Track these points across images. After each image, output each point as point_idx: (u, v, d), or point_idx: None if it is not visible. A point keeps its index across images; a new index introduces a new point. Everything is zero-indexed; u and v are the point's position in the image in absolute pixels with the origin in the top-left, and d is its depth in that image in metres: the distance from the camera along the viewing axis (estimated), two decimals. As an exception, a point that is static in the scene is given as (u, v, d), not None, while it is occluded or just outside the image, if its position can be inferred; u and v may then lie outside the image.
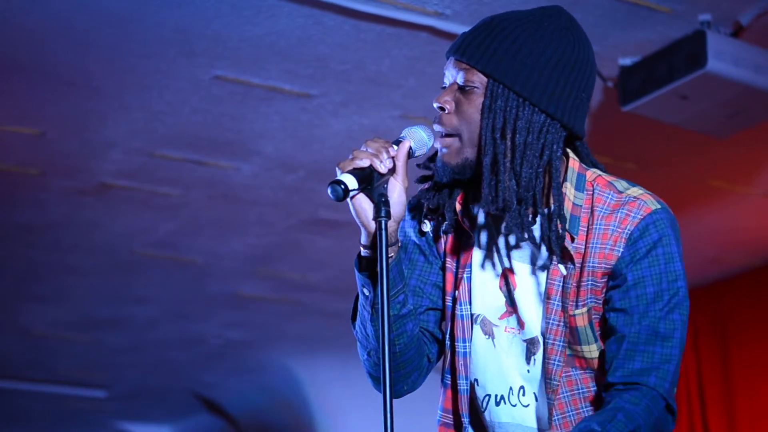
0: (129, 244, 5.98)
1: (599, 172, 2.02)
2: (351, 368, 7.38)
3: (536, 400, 1.97)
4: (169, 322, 7.09)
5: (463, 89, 1.96)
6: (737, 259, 6.16)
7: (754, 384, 6.13)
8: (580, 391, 1.95)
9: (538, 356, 1.96)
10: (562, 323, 1.93)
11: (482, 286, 2.00)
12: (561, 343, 1.93)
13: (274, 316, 7.02)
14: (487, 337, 2.00)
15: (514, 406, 1.99)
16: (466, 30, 2.02)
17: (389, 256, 1.92)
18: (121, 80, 4.45)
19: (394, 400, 1.87)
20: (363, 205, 1.91)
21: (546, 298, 1.95)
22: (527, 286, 1.98)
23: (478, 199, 2.01)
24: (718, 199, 5.50)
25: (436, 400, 2.10)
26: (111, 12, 4.00)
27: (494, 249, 2.00)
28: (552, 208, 1.92)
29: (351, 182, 1.87)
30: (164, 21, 4.05)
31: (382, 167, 1.89)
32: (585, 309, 1.93)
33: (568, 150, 2.02)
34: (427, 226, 2.06)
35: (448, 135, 1.96)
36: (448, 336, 2.05)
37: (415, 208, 2.08)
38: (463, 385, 2.02)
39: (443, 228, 2.02)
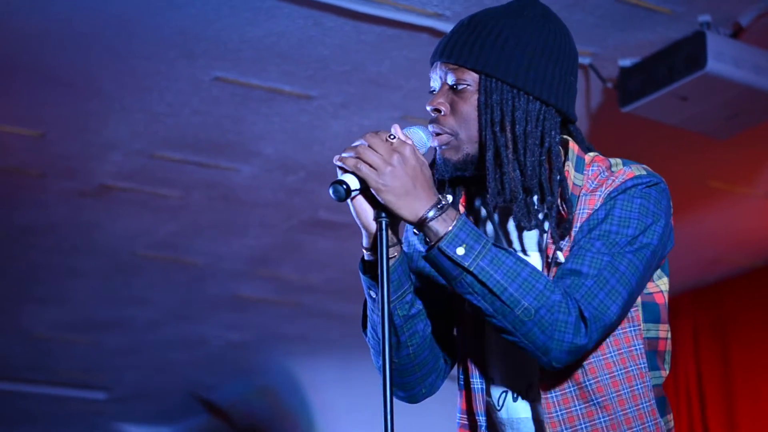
0: (129, 246, 5.99)
1: (597, 153, 2.03)
2: (351, 370, 7.39)
3: (549, 394, 1.95)
4: (169, 324, 7.09)
5: (455, 89, 1.97)
6: (737, 260, 6.16)
7: (754, 385, 6.13)
8: (588, 383, 1.94)
9: None
10: None
11: None
12: None
13: (274, 317, 7.02)
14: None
15: (533, 401, 1.97)
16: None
17: (392, 256, 1.92)
18: (121, 82, 4.45)
19: (394, 402, 1.88)
20: (363, 206, 1.91)
21: None
22: None
23: (481, 195, 2.03)
24: (718, 200, 5.50)
25: (441, 400, 2.10)
26: (111, 13, 4.01)
27: (501, 242, 2.01)
28: (555, 193, 1.93)
29: (353, 182, 1.87)
30: (165, 22, 4.05)
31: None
32: None
33: (565, 135, 2.04)
34: None
35: (443, 134, 1.97)
36: (460, 335, 2.05)
37: None
38: (477, 384, 2.02)
39: None
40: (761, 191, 5.43)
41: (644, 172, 1.98)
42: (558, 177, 1.94)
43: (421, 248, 2.01)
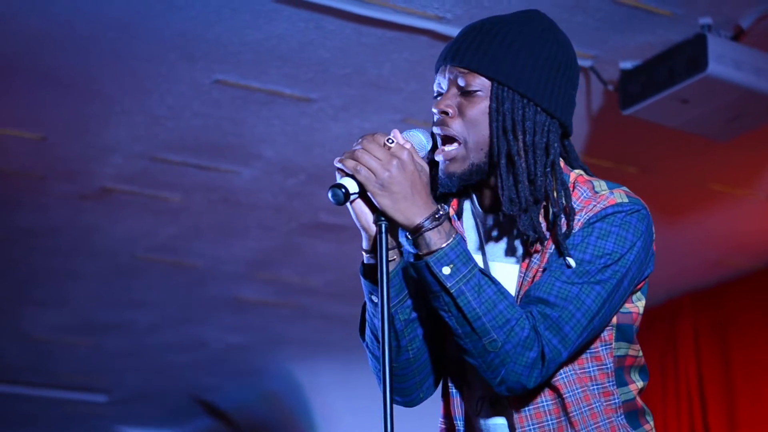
0: (130, 249, 5.98)
1: (581, 172, 2.02)
2: (351, 372, 7.38)
3: (522, 409, 1.97)
4: (169, 327, 7.09)
5: (465, 93, 1.97)
6: (738, 262, 6.16)
7: (755, 387, 6.12)
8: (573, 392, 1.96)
9: None
10: None
11: None
12: None
13: (274, 320, 7.02)
14: None
15: (507, 410, 1.98)
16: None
17: (392, 259, 1.93)
18: (121, 84, 4.45)
19: (396, 405, 1.88)
20: (363, 209, 1.91)
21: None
22: (510, 282, 1.99)
23: (471, 199, 2.04)
24: (719, 203, 5.50)
25: (438, 403, 2.10)
26: (112, 16, 4.01)
27: (481, 251, 2.02)
28: (560, 204, 1.94)
29: (351, 186, 1.87)
30: (165, 25, 4.05)
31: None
32: None
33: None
34: None
35: (449, 140, 1.97)
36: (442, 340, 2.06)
37: None
38: (453, 389, 2.03)
39: None
40: (762, 194, 5.43)
41: (626, 199, 1.95)
42: (562, 189, 1.95)
43: (410, 249, 2.01)
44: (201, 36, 4.12)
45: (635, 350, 2.02)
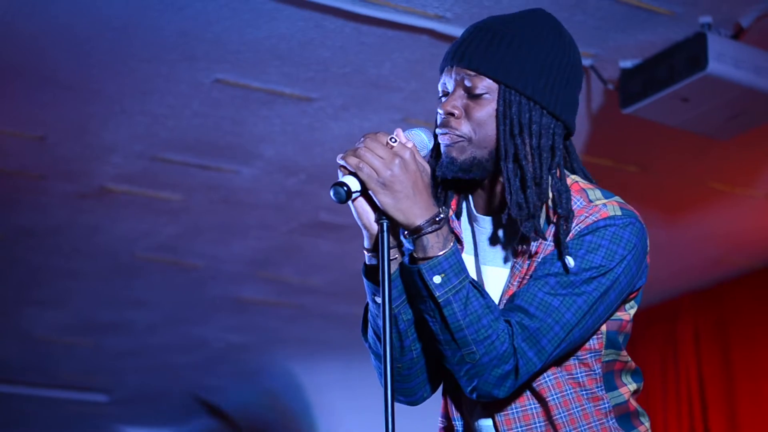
0: (130, 248, 5.98)
1: (577, 179, 2.02)
2: (352, 371, 7.38)
3: (509, 410, 1.98)
4: (170, 326, 7.09)
5: (472, 95, 1.97)
6: (738, 261, 6.16)
7: (755, 386, 6.12)
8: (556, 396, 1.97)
9: None
10: None
11: None
12: None
13: (275, 319, 7.02)
14: None
15: (497, 409, 1.99)
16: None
17: (393, 258, 1.93)
18: (121, 84, 4.45)
19: (397, 404, 1.88)
20: (365, 207, 1.91)
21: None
22: (499, 286, 2.00)
23: (469, 200, 2.04)
24: (719, 201, 5.50)
25: (437, 402, 2.10)
26: (111, 16, 4.00)
27: (474, 254, 2.03)
28: (563, 206, 1.94)
29: (354, 184, 1.87)
30: (165, 25, 4.05)
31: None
32: None
33: None
34: None
35: (456, 137, 1.97)
36: None
37: None
38: (449, 389, 2.04)
39: None
40: (762, 192, 5.43)
41: (619, 212, 1.94)
42: (564, 190, 1.95)
43: (409, 246, 2.00)
44: (201, 35, 4.12)
45: (624, 356, 2.02)
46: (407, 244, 1.97)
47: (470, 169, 1.97)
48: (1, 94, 4.51)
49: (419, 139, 1.95)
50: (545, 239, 1.94)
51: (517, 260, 1.97)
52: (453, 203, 2.07)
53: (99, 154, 4.99)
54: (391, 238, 1.91)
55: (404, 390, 2.04)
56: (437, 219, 1.87)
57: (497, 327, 1.86)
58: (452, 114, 1.97)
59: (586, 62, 4.26)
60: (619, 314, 1.99)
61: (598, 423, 1.96)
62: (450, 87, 2.00)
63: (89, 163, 5.06)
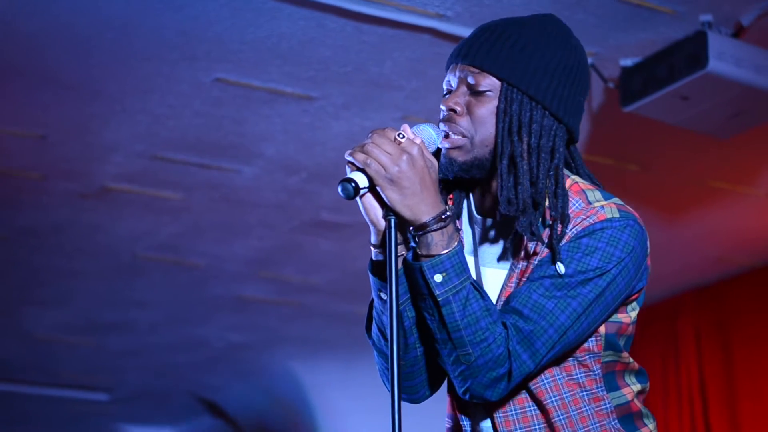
0: (131, 248, 5.99)
1: (578, 179, 2.01)
2: (353, 370, 7.38)
3: (508, 412, 1.98)
4: (171, 326, 7.10)
5: (474, 92, 1.97)
6: (739, 260, 6.16)
7: (756, 384, 6.12)
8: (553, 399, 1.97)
9: None
10: None
11: None
12: None
13: (276, 318, 7.02)
14: None
15: (496, 410, 1.99)
16: (467, 31, 2.03)
17: (400, 254, 1.92)
18: (122, 83, 4.46)
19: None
20: (372, 204, 1.91)
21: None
22: (495, 288, 2.00)
23: (470, 199, 2.04)
24: (720, 200, 5.50)
25: (442, 400, 2.10)
26: (112, 15, 4.01)
27: (474, 255, 2.03)
28: (558, 209, 1.93)
29: (361, 180, 1.87)
30: (165, 24, 4.05)
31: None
32: None
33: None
34: None
35: (457, 135, 1.97)
36: None
37: None
38: (454, 389, 2.03)
39: None
40: (762, 191, 5.43)
41: (617, 214, 1.93)
42: (562, 194, 1.94)
43: (413, 243, 2.01)
44: (202, 35, 4.13)
45: (625, 358, 2.01)
46: (413, 241, 1.97)
47: (470, 169, 1.97)
48: (2, 93, 4.51)
49: (427, 135, 1.94)
50: (542, 241, 1.93)
51: (516, 261, 1.97)
52: (449, 201, 2.06)
53: (100, 154, 4.99)
54: (399, 235, 1.90)
55: (406, 388, 2.04)
56: (443, 216, 1.87)
57: (494, 330, 1.86)
58: (454, 110, 1.98)
59: (586, 61, 4.26)
60: (619, 316, 1.98)
61: (598, 425, 1.95)
62: (454, 84, 2.00)
63: (90, 162, 5.06)
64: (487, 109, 1.96)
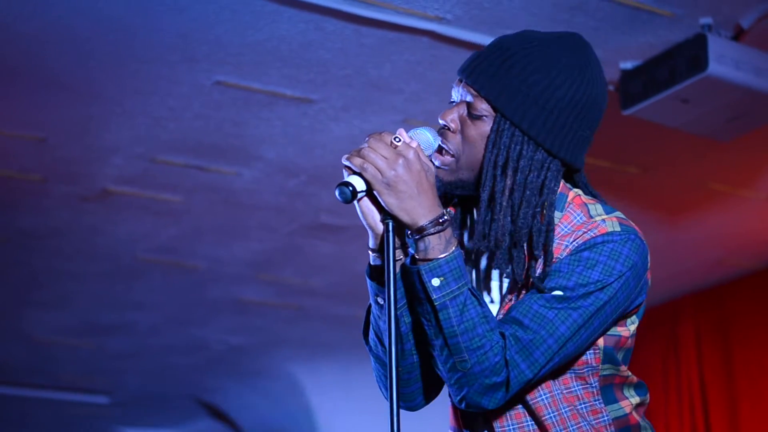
0: (131, 250, 5.99)
1: (579, 192, 2.00)
2: (352, 373, 7.38)
3: (505, 427, 1.97)
4: (171, 328, 7.10)
5: (470, 113, 1.96)
6: (740, 262, 6.16)
7: (757, 387, 6.12)
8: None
9: None
10: None
11: None
12: None
13: (275, 321, 7.02)
14: None
15: (494, 424, 1.97)
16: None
17: (398, 259, 1.91)
18: (122, 86, 4.46)
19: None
20: (370, 207, 1.90)
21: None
22: (494, 300, 2.00)
23: (464, 212, 2.04)
24: (720, 203, 5.50)
25: (441, 403, 2.09)
26: (112, 18, 4.01)
27: (475, 266, 2.02)
28: (539, 247, 1.92)
29: (359, 184, 1.87)
30: (166, 27, 4.05)
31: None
32: None
33: (569, 183, 2.02)
34: None
35: (446, 153, 1.97)
36: None
37: None
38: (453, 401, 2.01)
39: None
40: (763, 194, 5.43)
41: (618, 228, 1.92)
42: (545, 231, 1.92)
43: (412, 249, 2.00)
44: (201, 37, 4.13)
45: (624, 372, 2.00)
46: (411, 246, 1.95)
47: (455, 189, 1.98)
48: (2, 95, 4.51)
49: (424, 138, 1.94)
50: (519, 279, 1.91)
51: (516, 275, 1.95)
52: (452, 209, 2.06)
53: (100, 156, 4.99)
54: (397, 239, 1.90)
55: (403, 395, 2.03)
56: (441, 220, 1.86)
57: (491, 338, 1.85)
58: (448, 128, 1.97)
59: (586, 64, 4.26)
60: (618, 329, 1.97)
61: None
62: (456, 98, 1.99)
63: (90, 165, 5.06)
64: (479, 134, 1.95)
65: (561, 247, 1.92)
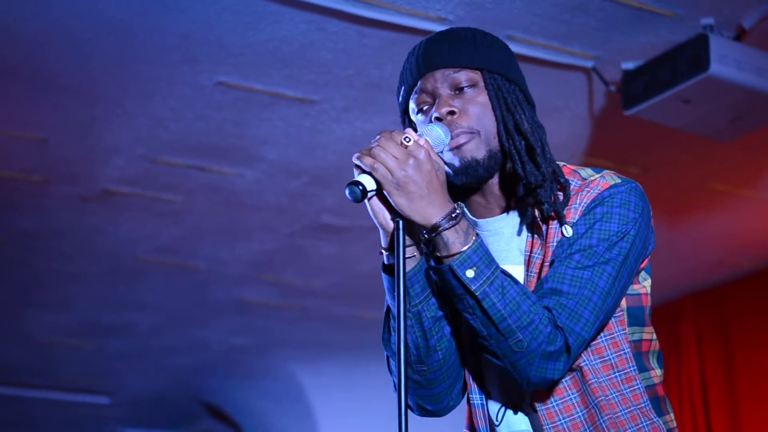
0: (132, 251, 5.99)
1: (564, 162, 2.05)
2: (354, 374, 7.38)
3: (549, 404, 1.96)
4: (172, 329, 7.10)
5: (460, 92, 1.98)
6: (741, 262, 6.16)
7: (758, 387, 6.13)
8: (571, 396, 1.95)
9: None
10: None
11: None
12: None
13: (277, 321, 7.02)
14: None
15: (531, 413, 1.97)
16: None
17: (411, 256, 1.92)
18: (123, 87, 4.46)
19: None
20: (380, 206, 1.90)
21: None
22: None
23: (468, 205, 2.04)
24: (722, 203, 5.50)
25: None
26: (113, 19, 4.01)
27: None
28: (561, 175, 1.97)
29: (369, 183, 1.86)
30: (167, 27, 4.05)
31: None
32: None
33: None
34: None
35: (465, 133, 1.97)
36: (461, 349, 2.04)
37: None
38: (476, 399, 2.02)
39: None
40: (764, 194, 5.43)
41: (618, 180, 1.98)
42: (558, 167, 1.99)
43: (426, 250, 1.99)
44: (203, 38, 4.13)
45: (649, 333, 2.02)
46: (424, 245, 1.95)
47: (490, 165, 1.98)
48: (4, 96, 4.51)
49: (435, 134, 1.93)
50: (559, 211, 1.94)
51: (532, 252, 1.97)
52: None
53: (101, 157, 5.00)
54: (408, 237, 1.90)
55: (430, 397, 2.03)
56: (453, 215, 1.86)
57: (537, 311, 1.85)
58: (453, 113, 1.97)
59: (588, 64, 4.26)
60: (635, 287, 2.00)
61: (636, 407, 1.95)
62: (433, 91, 2.00)
63: (91, 165, 5.06)
64: (480, 103, 1.98)
65: (570, 212, 1.95)
